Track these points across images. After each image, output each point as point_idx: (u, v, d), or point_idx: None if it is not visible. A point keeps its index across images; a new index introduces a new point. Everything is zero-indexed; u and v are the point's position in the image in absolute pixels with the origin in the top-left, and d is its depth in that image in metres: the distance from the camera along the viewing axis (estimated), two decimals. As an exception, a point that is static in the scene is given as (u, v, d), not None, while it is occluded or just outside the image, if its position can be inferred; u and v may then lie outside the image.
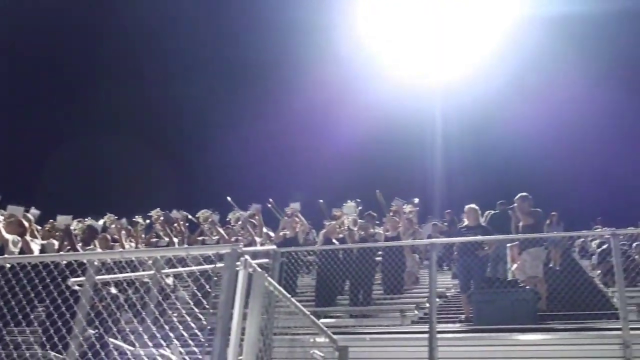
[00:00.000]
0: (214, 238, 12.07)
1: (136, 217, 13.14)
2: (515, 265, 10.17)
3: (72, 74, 28.48)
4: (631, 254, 10.51)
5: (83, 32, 27.71)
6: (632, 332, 6.83)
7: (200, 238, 12.72)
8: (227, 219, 12.78)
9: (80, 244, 9.61)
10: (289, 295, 4.47)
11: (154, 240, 13.11)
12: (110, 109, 29.52)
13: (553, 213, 15.36)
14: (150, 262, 6.10)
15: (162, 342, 4.77)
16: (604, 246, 11.21)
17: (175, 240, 12.28)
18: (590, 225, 16.59)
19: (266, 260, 8.66)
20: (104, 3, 29.48)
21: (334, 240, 11.36)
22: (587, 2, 26.88)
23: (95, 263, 5.30)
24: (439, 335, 7.37)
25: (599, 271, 11.71)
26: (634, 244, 11.32)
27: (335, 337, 5.52)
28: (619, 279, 7.37)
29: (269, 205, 13.61)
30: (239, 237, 11.63)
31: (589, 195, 26.21)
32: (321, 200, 14.26)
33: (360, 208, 12.12)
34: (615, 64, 27.88)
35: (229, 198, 12.86)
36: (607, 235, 9.21)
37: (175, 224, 13.12)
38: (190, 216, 12.86)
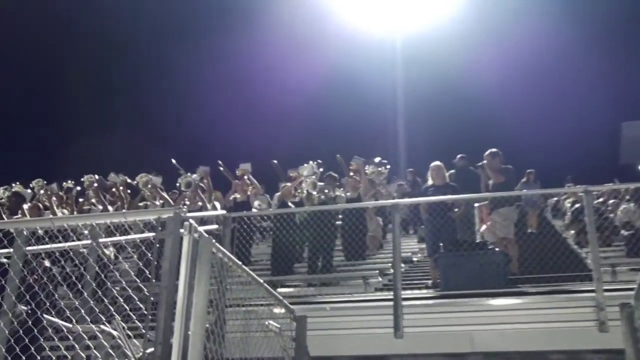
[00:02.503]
0: (156, 203, 11.77)
1: (68, 181, 12.78)
2: (484, 227, 10.31)
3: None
4: (605, 213, 10.77)
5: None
6: (606, 293, 6.99)
7: (141, 204, 12.41)
8: (177, 184, 12.48)
9: (6, 214, 9.35)
10: (240, 263, 4.42)
11: (87, 207, 12.71)
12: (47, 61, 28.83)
13: (529, 170, 15.42)
14: (86, 230, 5.95)
15: (102, 316, 4.69)
16: (577, 205, 11.45)
17: (110, 208, 11.98)
18: (563, 184, 16.92)
19: (216, 226, 8.57)
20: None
21: (289, 204, 11.31)
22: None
23: (24, 232, 5.13)
24: (404, 303, 7.45)
25: (572, 231, 11.99)
26: (610, 202, 11.60)
27: (293, 307, 5.53)
28: (592, 238, 7.51)
29: (220, 168, 13.38)
30: (187, 203, 11.43)
31: (562, 152, 26.75)
32: (275, 161, 14.10)
33: (321, 169, 11.99)
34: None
35: (173, 160, 12.51)
36: (580, 193, 9.36)
37: (114, 189, 12.79)
38: (129, 180, 12.49)
